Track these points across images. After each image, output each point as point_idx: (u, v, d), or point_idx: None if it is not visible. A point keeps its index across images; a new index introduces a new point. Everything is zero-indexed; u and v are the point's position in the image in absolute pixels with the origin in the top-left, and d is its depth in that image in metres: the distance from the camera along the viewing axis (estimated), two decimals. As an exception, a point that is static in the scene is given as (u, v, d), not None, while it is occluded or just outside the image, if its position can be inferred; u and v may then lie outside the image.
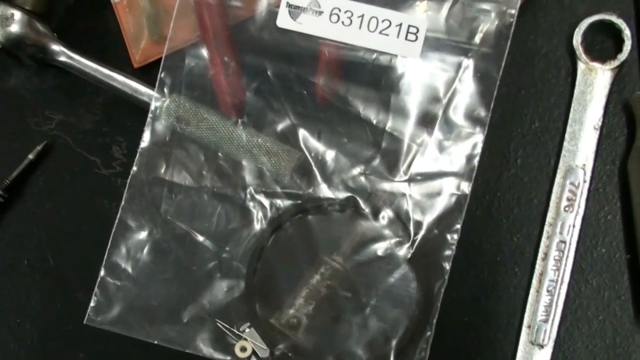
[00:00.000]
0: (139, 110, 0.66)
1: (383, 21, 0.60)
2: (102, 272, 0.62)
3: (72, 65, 0.67)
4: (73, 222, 0.69)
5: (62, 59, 0.67)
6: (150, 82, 0.65)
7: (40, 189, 0.69)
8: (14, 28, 0.65)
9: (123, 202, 0.63)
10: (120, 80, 0.66)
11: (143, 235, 0.63)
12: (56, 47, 0.66)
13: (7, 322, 0.68)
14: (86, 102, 0.70)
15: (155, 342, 0.60)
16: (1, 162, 0.69)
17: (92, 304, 0.63)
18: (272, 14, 0.62)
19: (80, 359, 0.67)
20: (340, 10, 0.60)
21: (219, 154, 0.63)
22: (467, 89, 0.58)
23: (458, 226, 0.61)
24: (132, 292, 0.62)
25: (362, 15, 0.61)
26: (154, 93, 0.63)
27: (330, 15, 0.60)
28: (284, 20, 0.60)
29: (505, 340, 0.61)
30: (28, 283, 0.68)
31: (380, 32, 0.60)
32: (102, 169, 0.69)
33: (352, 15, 0.60)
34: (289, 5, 0.60)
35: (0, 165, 0.69)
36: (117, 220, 0.63)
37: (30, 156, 0.69)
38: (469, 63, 0.59)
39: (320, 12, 0.60)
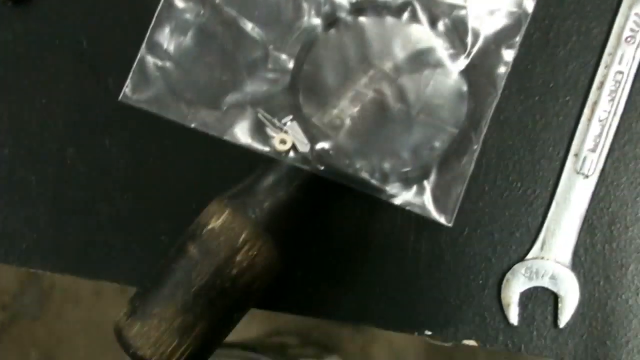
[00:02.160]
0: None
1: None
2: (142, 49, 0.59)
3: None
4: (111, 4, 0.66)
5: None
6: None
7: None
8: None
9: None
10: None
11: (189, 16, 0.62)
12: None
13: (33, 101, 0.67)
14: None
15: (192, 126, 0.58)
16: None
17: (128, 81, 0.61)
18: None
19: (106, 145, 0.64)
20: None
21: None
22: None
23: (516, 44, 0.60)
24: (172, 73, 0.61)
25: None
26: None
27: None
28: None
29: (548, 168, 0.61)
30: (58, 63, 0.67)
31: None
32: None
33: None
34: None
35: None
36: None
37: None
38: None
39: None
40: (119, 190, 0.63)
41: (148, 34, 0.61)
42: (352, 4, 0.58)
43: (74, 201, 0.63)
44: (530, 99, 0.62)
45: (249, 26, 0.59)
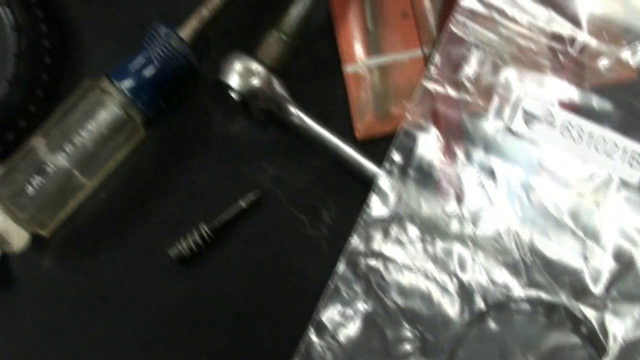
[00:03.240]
0: (355, 180, 0.72)
1: (609, 143, 0.66)
2: (311, 331, 0.67)
3: (301, 127, 0.72)
4: (271, 273, 0.74)
5: (294, 119, 0.72)
6: (368, 156, 0.72)
7: (245, 235, 0.75)
8: (255, 81, 0.71)
9: (339, 270, 0.70)
10: (345, 150, 0.72)
11: (353, 303, 0.68)
12: (291, 107, 0.71)
13: (195, 357, 0.73)
14: (303, 162, 0.75)
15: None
16: (212, 203, 0.75)
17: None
18: (504, 115, 0.67)
19: None
20: (571, 126, 0.67)
21: (436, 238, 0.67)
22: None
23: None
24: (336, 357, 0.67)
25: (591, 134, 0.66)
26: (378, 170, 0.68)
27: (562, 128, 0.67)
28: (518, 125, 0.67)
29: None
30: (218, 324, 0.74)
31: (605, 153, 0.66)
32: (309, 228, 0.74)
33: (581, 131, 0.67)
34: (525, 112, 0.67)
35: (211, 205, 0.75)
36: (331, 285, 0.68)
37: (242, 203, 0.74)
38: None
39: (553, 124, 0.67)
40: None
41: (316, 316, 0.68)
42: (503, 303, 0.66)
43: None
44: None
45: (407, 316, 0.66)
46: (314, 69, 0.76)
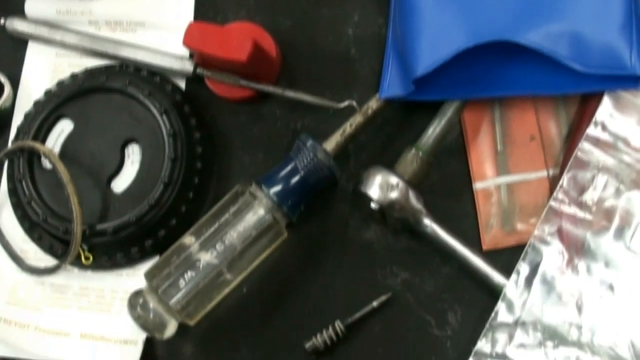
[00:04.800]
0: (480, 287, 0.81)
1: None
2: None
3: (433, 237, 0.81)
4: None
5: (427, 230, 0.81)
6: (493, 265, 0.80)
7: (376, 334, 0.83)
8: (394, 195, 0.80)
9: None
10: (474, 260, 0.81)
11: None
12: (425, 219, 0.80)
13: None
14: (432, 268, 0.83)
15: None
16: (346, 302, 0.83)
17: None
18: (625, 235, 0.78)
19: None
20: None
21: (557, 344, 0.77)
22: None
23: None
24: None
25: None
26: (504, 279, 0.78)
27: None
28: (636, 244, 0.77)
29: None
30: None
31: None
32: (435, 329, 0.82)
33: None
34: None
35: (345, 304, 0.83)
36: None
37: (374, 303, 0.82)
38: None
39: None
40: None
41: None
42: None
43: None
44: None
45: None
46: (446, 184, 0.85)
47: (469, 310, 0.81)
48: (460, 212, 0.84)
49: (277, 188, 0.81)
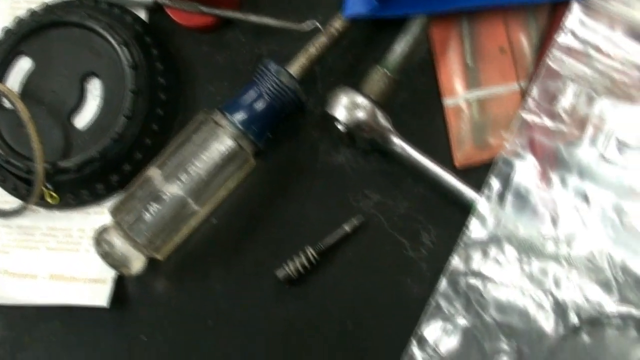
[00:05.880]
0: (454, 206, 0.80)
1: None
2: (413, 344, 0.75)
3: (403, 156, 0.80)
4: (374, 293, 0.81)
5: (397, 149, 0.79)
6: (466, 182, 0.79)
7: (349, 258, 0.82)
8: (361, 115, 0.80)
9: (441, 287, 0.77)
10: (445, 178, 0.79)
11: (453, 319, 0.75)
12: (393, 138, 0.79)
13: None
14: (404, 189, 0.82)
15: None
16: (318, 227, 0.82)
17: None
18: (598, 143, 0.77)
19: None
20: None
21: (532, 258, 0.75)
22: None
23: None
24: (437, 369, 0.71)
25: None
26: (477, 195, 0.77)
27: None
28: (611, 153, 0.76)
29: None
30: (323, 341, 0.82)
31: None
32: (410, 251, 0.81)
33: None
34: (618, 141, 0.76)
35: (316, 230, 0.82)
36: (432, 302, 0.75)
37: (347, 228, 0.81)
38: None
39: None
40: None
41: (417, 331, 0.75)
42: (595, 318, 0.74)
43: None
44: None
45: (505, 331, 0.75)
46: (416, 102, 0.84)
47: (444, 230, 0.81)
48: (431, 130, 0.83)
49: (242, 115, 0.81)
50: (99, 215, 0.86)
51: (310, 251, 0.81)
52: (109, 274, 0.83)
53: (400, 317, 0.79)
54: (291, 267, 0.81)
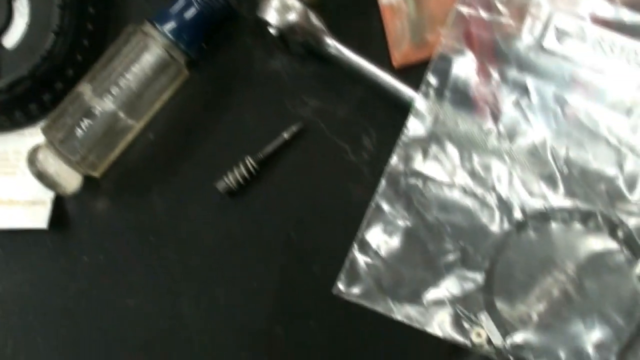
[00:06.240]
0: (393, 106, 0.79)
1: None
2: (354, 249, 0.73)
3: (339, 58, 0.78)
4: (316, 201, 0.80)
5: (332, 51, 0.78)
6: (406, 82, 0.78)
7: (289, 166, 0.81)
8: (292, 16, 0.78)
9: (380, 189, 0.75)
10: (383, 78, 0.78)
11: (395, 220, 0.74)
12: (328, 39, 0.77)
13: (245, 284, 0.81)
14: (343, 93, 0.81)
15: (398, 318, 0.72)
16: (257, 137, 0.81)
17: (341, 276, 0.73)
18: (536, 33, 0.75)
19: (311, 326, 0.79)
20: (603, 41, 0.74)
21: (473, 155, 0.74)
22: None
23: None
24: (380, 271, 0.73)
25: (623, 47, 0.74)
26: (415, 94, 0.75)
27: (593, 43, 0.74)
28: (550, 42, 0.74)
29: None
30: (267, 251, 0.81)
31: (638, 65, 0.73)
32: (351, 155, 0.80)
33: (613, 45, 0.74)
34: (557, 29, 0.74)
35: (255, 140, 0.81)
36: (372, 204, 0.74)
37: (285, 135, 0.80)
38: None
39: (585, 40, 0.74)
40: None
41: (359, 235, 0.74)
42: (541, 213, 0.73)
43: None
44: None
45: (448, 230, 0.74)
46: (352, 3, 0.82)
47: (385, 133, 0.79)
48: (369, 30, 0.82)
49: (171, 24, 0.79)
50: (35, 136, 0.83)
51: (250, 161, 0.80)
52: (48, 196, 0.82)
53: (343, 223, 0.77)
54: (231, 179, 0.80)
